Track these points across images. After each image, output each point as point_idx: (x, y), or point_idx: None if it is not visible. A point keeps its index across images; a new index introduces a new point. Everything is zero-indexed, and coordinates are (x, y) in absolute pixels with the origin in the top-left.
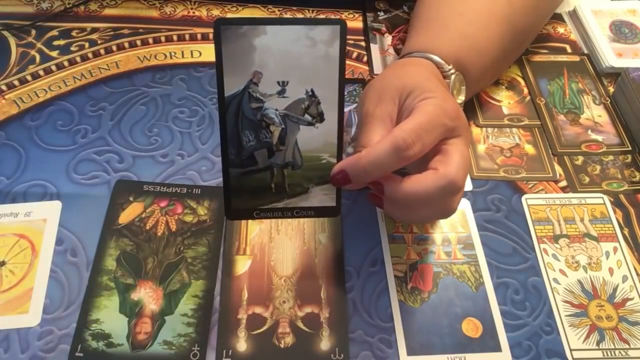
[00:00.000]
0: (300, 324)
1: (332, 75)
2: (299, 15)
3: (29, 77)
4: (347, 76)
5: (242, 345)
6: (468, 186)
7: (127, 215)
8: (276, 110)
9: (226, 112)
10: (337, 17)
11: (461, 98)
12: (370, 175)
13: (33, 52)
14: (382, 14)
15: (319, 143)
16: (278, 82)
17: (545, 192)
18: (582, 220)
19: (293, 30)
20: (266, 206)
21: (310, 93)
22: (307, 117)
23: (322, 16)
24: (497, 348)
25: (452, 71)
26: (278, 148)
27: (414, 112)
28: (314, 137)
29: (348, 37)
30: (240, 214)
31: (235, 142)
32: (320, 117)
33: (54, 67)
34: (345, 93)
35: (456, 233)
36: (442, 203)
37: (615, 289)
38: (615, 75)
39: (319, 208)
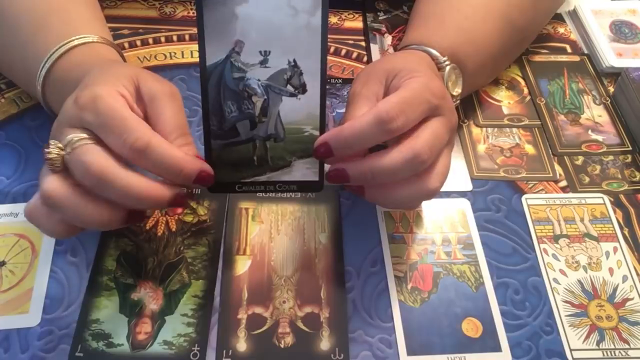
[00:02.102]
0: (300, 324)
1: (314, 46)
2: None
3: None
4: (347, 76)
5: (242, 345)
6: (468, 186)
7: None
8: (258, 80)
9: (208, 82)
10: (336, 14)
11: (457, 90)
12: (353, 147)
13: None
14: (382, 14)
15: (301, 115)
16: (260, 52)
17: (545, 192)
18: (582, 220)
19: None
20: (248, 179)
21: (293, 63)
22: (290, 88)
23: None
24: (497, 348)
25: (447, 63)
26: (260, 120)
27: (399, 88)
28: (297, 109)
29: (348, 37)
30: (222, 187)
31: (217, 112)
32: (302, 88)
33: None
34: (345, 93)
35: (456, 233)
36: (416, 181)
37: (615, 289)
38: (615, 75)
39: (302, 182)
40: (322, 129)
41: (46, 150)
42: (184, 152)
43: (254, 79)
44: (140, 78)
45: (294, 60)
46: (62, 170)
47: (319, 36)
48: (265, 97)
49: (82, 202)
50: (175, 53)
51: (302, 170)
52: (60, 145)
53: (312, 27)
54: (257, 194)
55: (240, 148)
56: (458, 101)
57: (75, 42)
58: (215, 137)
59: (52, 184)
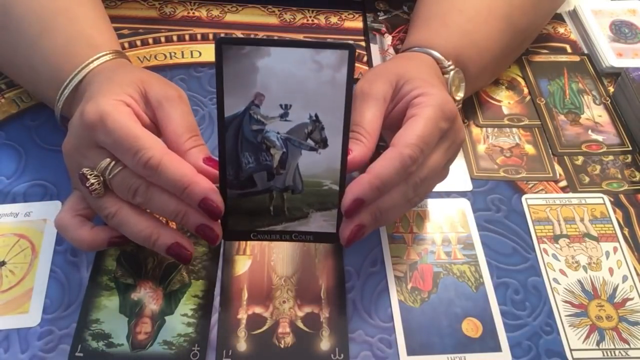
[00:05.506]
0: (300, 324)
1: (338, 101)
2: (299, 16)
3: None
4: None
5: (242, 345)
6: (468, 186)
7: None
8: (278, 133)
9: (226, 133)
10: (336, 14)
11: (460, 94)
12: (382, 194)
13: None
14: (382, 14)
15: (321, 169)
16: (281, 105)
17: (545, 192)
18: (582, 220)
19: (298, 52)
20: (264, 228)
21: (314, 118)
22: (310, 142)
23: (321, 17)
24: (497, 348)
25: (452, 67)
26: (278, 171)
27: (415, 117)
28: (316, 163)
29: (348, 37)
30: (237, 234)
31: (234, 163)
32: (323, 143)
33: None
34: None
35: (456, 233)
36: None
37: (615, 289)
38: (615, 75)
39: (318, 234)
40: (342, 184)
41: (87, 184)
42: (194, 171)
43: (273, 132)
44: (147, 83)
45: (316, 115)
46: (104, 192)
47: (343, 92)
48: (284, 150)
49: (141, 217)
50: (175, 53)
51: (319, 222)
52: (95, 173)
53: (337, 83)
54: None
55: (256, 198)
56: (460, 105)
57: (92, 66)
58: (231, 187)
59: (113, 206)
